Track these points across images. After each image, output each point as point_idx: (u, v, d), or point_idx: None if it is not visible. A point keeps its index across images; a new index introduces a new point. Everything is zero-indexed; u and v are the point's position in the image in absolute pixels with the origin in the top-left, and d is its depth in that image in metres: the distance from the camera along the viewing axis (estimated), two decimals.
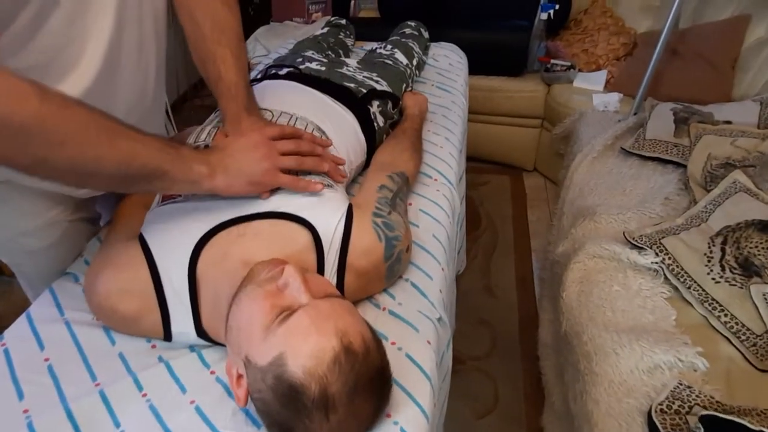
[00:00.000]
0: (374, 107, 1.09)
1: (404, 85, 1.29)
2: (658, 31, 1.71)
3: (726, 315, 1.05)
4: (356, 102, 1.06)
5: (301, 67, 1.15)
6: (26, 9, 0.62)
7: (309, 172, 0.82)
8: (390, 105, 1.15)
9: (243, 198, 0.76)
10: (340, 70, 1.15)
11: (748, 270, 1.09)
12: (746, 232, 1.16)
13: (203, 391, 0.69)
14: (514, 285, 1.87)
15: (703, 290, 1.10)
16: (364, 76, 1.17)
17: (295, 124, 0.90)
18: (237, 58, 0.80)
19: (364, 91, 1.10)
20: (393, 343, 0.73)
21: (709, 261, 1.13)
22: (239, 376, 0.61)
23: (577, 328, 1.13)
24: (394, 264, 0.79)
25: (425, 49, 1.61)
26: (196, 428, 0.65)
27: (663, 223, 1.27)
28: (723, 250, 1.14)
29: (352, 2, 2.85)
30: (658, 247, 1.18)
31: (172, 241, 0.74)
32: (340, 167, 0.90)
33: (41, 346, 0.75)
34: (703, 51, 1.97)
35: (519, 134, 2.38)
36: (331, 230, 0.75)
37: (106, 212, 1.00)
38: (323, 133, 0.93)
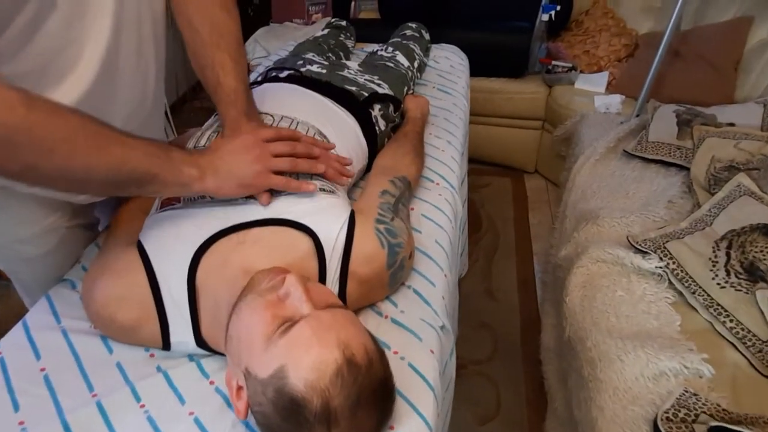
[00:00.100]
0: (376, 111, 1.08)
1: (406, 88, 1.28)
2: (659, 32, 1.71)
3: (731, 320, 1.04)
4: (357, 105, 1.05)
5: (302, 69, 1.14)
6: (23, 12, 0.61)
7: (312, 176, 0.81)
8: (391, 108, 1.14)
9: (243, 204, 0.75)
10: (341, 73, 1.14)
11: (753, 275, 1.08)
12: (751, 236, 1.15)
13: (202, 401, 0.68)
14: (515, 288, 1.86)
15: (708, 295, 1.08)
16: (365, 79, 1.15)
17: (296, 128, 0.88)
18: (236, 62, 0.79)
19: (366, 94, 1.09)
20: (395, 353, 0.72)
21: (714, 266, 1.12)
22: (239, 388, 0.60)
23: (581, 334, 1.12)
24: (397, 271, 0.78)
25: (426, 51, 1.60)
26: None
27: (667, 227, 1.26)
28: (728, 255, 1.13)
29: (353, 3, 2.84)
30: (662, 252, 1.17)
31: (171, 249, 0.72)
32: (347, 167, 0.88)
33: (37, 356, 0.74)
34: (705, 53, 1.96)
35: (520, 136, 2.37)
36: (333, 237, 0.74)
37: (104, 217, 0.99)
38: (324, 137, 0.92)
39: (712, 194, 1.33)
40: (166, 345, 0.72)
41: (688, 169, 1.46)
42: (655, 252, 1.17)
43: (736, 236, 1.16)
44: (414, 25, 1.60)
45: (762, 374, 0.97)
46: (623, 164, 1.58)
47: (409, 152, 1.05)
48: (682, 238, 1.20)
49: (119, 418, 0.66)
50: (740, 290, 1.07)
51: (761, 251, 1.11)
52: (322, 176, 0.83)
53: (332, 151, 0.90)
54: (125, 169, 0.62)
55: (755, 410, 0.87)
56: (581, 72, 2.22)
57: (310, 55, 1.29)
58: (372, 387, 0.54)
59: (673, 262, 1.14)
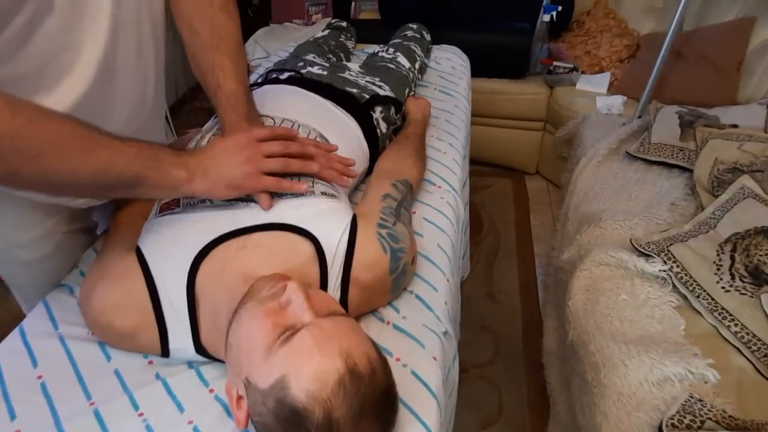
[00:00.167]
0: (377, 113, 1.07)
1: (407, 90, 1.27)
2: (661, 32, 1.70)
3: (736, 325, 1.03)
4: (359, 108, 1.04)
5: (303, 71, 1.13)
6: (20, 14, 0.60)
7: (314, 180, 0.80)
8: (393, 110, 1.13)
9: (243, 208, 0.74)
10: (342, 75, 1.13)
11: (758, 278, 1.07)
12: (756, 239, 1.13)
13: (202, 410, 0.67)
14: (517, 290, 1.85)
15: (713, 299, 1.07)
16: (366, 81, 1.14)
17: (297, 130, 0.87)
18: (236, 65, 0.78)
19: (367, 96, 1.08)
20: (398, 360, 0.71)
21: (718, 269, 1.11)
22: (239, 398, 0.59)
23: (584, 338, 1.11)
24: (400, 276, 0.77)
25: (427, 52, 1.59)
26: None
27: (670, 230, 1.25)
28: (732, 258, 1.12)
29: (353, 3, 2.83)
30: (665, 255, 1.16)
31: (170, 254, 0.71)
32: (351, 168, 0.87)
33: (34, 363, 0.73)
34: (707, 53, 1.95)
35: (521, 137, 2.36)
36: (334, 242, 0.72)
37: (102, 221, 0.98)
38: (325, 140, 0.91)
39: (716, 196, 1.32)
40: (164, 352, 0.71)
41: (691, 170, 1.45)
42: (658, 255, 1.16)
43: (741, 239, 1.15)
44: (415, 26, 1.59)
45: (767, 379, 0.96)
46: (626, 166, 1.56)
47: (410, 155, 1.04)
48: (686, 241, 1.19)
49: (117, 426, 0.65)
50: (745, 294, 1.06)
51: (766, 254, 1.10)
52: (323, 178, 0.82)
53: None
54: (112, 172, 0.61)
55: (761, 416, 0.86)
56: (583, 73, 2.21)
57: (310, 57, 1.28)
58: (375, 397, 0.53)
59: (677, 266, 1.13)
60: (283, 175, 0.75)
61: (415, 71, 1.39)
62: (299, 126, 0.88)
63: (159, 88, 0.86)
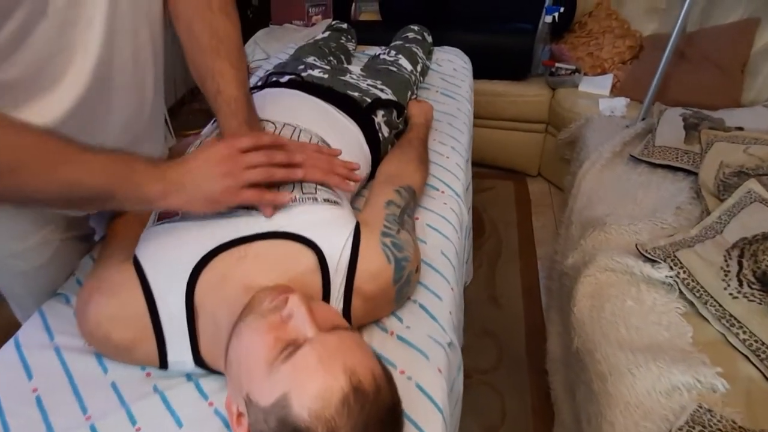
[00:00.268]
0: (379, 117, 1.05)
1: (409, 93, 1.26)
2: (664, 33, 1.68)
3: (744, 332, 1.01)
4: (360, 112, 1.02)
5: (304, 74, 1.11)
6: (11, 19, 0.58)
7: (317, 187, 0.78)
8: (395, 114, 1.11)
9: (244, 216, 0.72)
10: (343, 78, 1.11)
11: (766, 285, 1.05)
12: (764, 244, 1.12)
13: (201, 424, 0.65)
14: (520, 294, 1.83)
15: (720, 306, 1.06)
16: (368, 84, 1.13)
17: (299, 135, 0.86)
18: (236, 69, 0.76)
19: (369, 100, 1.06)
20: (402, 372, 0.69)
21: (726, 275, 1.09)
22: (240, 415, 0.57)
23: (590, 346, 1.09)
24: (404, 286, 0.75)
25: (429, 54, 1.57)
26: None
27: (676, 235, 1.23)
28: (740, 264, 1.10)
29: (353, 4, 2.81)
30: (672, 260, 1.14)
31: (168, 264, 0.70)
32: (355, 172, 0.85)
33: (29, 375, 0.71)
34: (711, 55, 1.94)
35: (523, 139, 2.34)
36: (337, 252, 0.71)
37: (100, 228, 0.96)
38: (327, 144, 0.89)
39: (722, 200, 1.30)
40: (163, 364, 0.70)
41: (696, 174, 1.43)
42: (664, 261, 1.15)
43: (748, 245, 1.14)
44: (416, 28, 1.57)
45: None
46: (630, 169, 1.55)
47: (413, 159, 1.02)
48: (693, 246, 1.17)
49: None
50: (753, 300, 1.04)
51: None
52: (327, 184, 0.80)
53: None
54: (80, 189, 0.60)
55: None
56: (585, 74, 2.19)
57: (311, 59, 1.26)
58: (379, 415, 0.52)
59: (684, 272, 1.12)
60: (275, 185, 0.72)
61: (417, 74, 1.38)
62: (301, 130, 0.87)
63: (158, 93, 0.84)
